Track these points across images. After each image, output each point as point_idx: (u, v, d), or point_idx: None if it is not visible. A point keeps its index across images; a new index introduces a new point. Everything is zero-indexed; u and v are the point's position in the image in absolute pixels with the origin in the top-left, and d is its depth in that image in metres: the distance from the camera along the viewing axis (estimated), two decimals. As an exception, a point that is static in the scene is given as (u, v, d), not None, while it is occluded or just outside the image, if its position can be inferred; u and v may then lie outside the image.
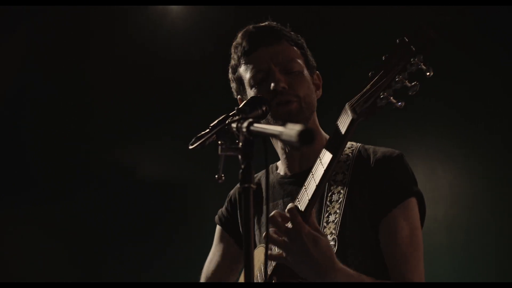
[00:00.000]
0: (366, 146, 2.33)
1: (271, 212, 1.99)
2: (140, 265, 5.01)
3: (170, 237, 5.05)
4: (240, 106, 1.94)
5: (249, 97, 2.11)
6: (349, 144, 2.34)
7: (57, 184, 5.07)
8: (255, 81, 2.34)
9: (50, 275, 4.91)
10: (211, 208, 4.99)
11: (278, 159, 2.54)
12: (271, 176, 2.47)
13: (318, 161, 2.03)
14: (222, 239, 2.62)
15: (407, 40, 1.87)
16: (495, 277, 4.41)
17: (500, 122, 4.54)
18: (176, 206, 5.14)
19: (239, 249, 2.53)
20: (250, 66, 2.35)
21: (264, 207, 2.39)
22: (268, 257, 1.95)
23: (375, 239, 2.18)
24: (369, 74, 1.93)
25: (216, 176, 1.73)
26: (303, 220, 1.92)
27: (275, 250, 2.06)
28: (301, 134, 1.44)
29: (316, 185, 1.99)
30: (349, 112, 1.91)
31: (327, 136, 2.40)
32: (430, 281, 2.28)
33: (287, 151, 2.40)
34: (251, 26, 2.41)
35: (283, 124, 1.71)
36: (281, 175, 2.43)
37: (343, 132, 1.93)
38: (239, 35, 2.41)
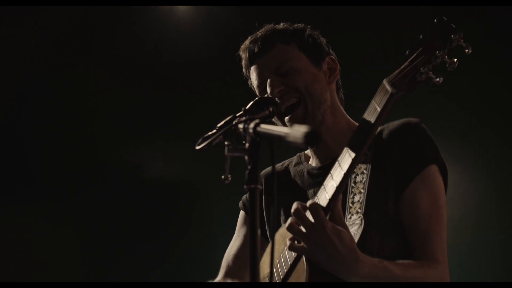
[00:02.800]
0: (386, 124, 2.31)
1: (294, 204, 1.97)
2: (147, 265, 5.02)
3: (177, 237, 5.06)
4: (247, 107, 1.94)
5: None
6: None
7: (64, 184, 5.08)
8: (260, 93, 2.40)
9: (56, 275, 4.93)
10: (218, 208, 5.03)
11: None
12: (301, 166, 2.48)
13: (354, 139, 1.98)
14: (244, 224, 2.62)
15: (445, 19, 1.89)
16: (501, 277, 4.40)
17: (507, 123, 4.53)
18: (184, 206, 5.15)
19: (261, 235, 2.50)
20: (253, 80, 2.43)
21: (274, 205, 2.40)
22: (289, 247, 1.95)
23: (398, 216, 2.18)
24: (407, 52, 1.92)
25: (223, 176, 1.74)
26: (329, 209, 1.92)
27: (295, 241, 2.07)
28: (306, 135, 1.45)
29: (344, 173, 1.94)
30: (387, 87, 1.88)
31: (354, 123, 2.40)
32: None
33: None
34: (248, 39, 2.46)
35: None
36: (311, 166, 2.44)
37: (380, 108, 1.89)
38: (240, 51, 2.48)
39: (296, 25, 2.47)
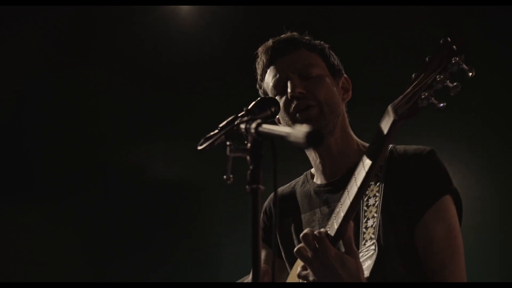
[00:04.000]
0: (397, 146, 2.29)
1: (305, 228, 1.99)
2: (148, 265, 5.02)
3: (178, 237, 5.06)
4: (249, 107, 1.94)
5: None
6: None
7: (65, 184, 5.08)
8: (277, 92, 2.37)
9: (56, 275, 4.92)
10: (219, 208, 5.03)
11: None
12: (308, 185, 2.46)
13: (360, 166, 1.95)
14: (264, 241, 2.58)
15: (449, 40, 1.83)
16: (501, 277, 4.41)
17: (508, 123, 4.53)
18: (184, 206, 5.15)
19: (279, 258, 2.49)
20: (270, 78, 2.39)
21: (275, 217, 2.40)
22: (298, 274, 1.98)
23: (412, 243, 2.16)
24: (412, 75, 1.88)
25: (225, 177, 1.73)
26: (339, 237, 1.94)
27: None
28: (308, 135, 1.44)
29: (351, 202, 1.95)
30: (391, 113, 1.86)
31: (362, 142, 2.41)
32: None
33: (318, 159, 2.39)
34: (270, 40, 2.43)
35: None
36: (317, 184, 2.42)
37: (384, 134, 1.87)
38: (260, 51, 2.44)
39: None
